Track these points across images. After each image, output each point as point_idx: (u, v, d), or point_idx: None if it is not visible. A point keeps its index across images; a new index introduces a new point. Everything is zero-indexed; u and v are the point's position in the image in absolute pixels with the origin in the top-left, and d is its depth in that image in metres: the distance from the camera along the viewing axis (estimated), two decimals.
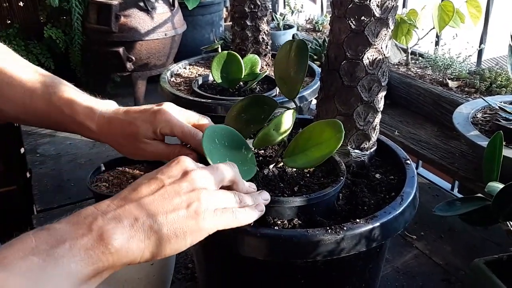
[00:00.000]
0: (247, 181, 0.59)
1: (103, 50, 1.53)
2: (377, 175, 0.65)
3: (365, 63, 0.63)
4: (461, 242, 0.98)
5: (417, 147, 1.13)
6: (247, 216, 0.50)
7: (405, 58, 1.46)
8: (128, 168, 1.09)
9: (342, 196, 0.61)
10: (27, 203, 1.18)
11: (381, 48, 0.64)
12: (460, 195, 1.14)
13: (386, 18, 0.62)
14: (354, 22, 0.62)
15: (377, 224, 0.52)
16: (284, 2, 2.19)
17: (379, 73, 0.65)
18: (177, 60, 1.54)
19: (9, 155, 1.57)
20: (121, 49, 1.48)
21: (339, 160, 0.62)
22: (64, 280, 0.38)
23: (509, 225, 0.70)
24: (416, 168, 1.40)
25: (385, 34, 0.63)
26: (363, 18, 0.62)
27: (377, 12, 0.62)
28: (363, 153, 0.67)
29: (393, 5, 0.63)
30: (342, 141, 0.54)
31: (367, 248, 0.52)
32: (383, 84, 0.66)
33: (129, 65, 1.53)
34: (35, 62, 1.60)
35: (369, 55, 0.63)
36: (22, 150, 1.46)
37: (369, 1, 0.61)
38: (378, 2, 0.61)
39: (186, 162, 0.50)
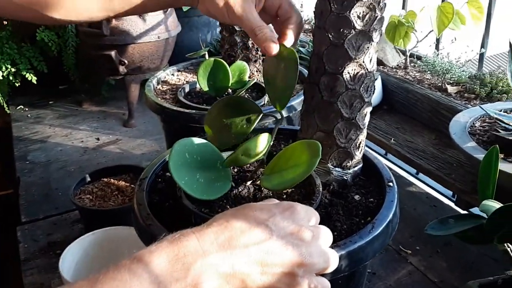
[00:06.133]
0: (218, 198, 0.56)
1: (95, 54, 1.50)
2: (356, 196, 0.60)
3: (345, 78, 0.59)
4: (457, 257, 0.94)
5: (414, 156, 1.09)
6: None
7: (404, 61, 1.41)
8: (114, 179, 1.07)
9: None
10: (13, 213, 1.16)
11: (363, 62, 0.59)
12: (457, 207, 1.09)
13: (368, 31, 0.58)
14: (333, 34, 0.58)
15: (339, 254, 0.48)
16: None
17: (361, 89, 0.60)
18: (172, 62, 1.51)
19: (10, 156, 1.54)
20: (113, 53, 1.45)
21: (318, 183, 0.58)
22: None
23: (505, 245, 0.66)
24: (417, 174, 1.35)
25: (368, 47, 0.59)
26: (342, 30, 0.57)
27: (358, 24, 0.57)
28: (344, 171, 0.63)
29: (377, 17, 0.58)
30: (315, 167, 0.50)
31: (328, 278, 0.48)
32: (366, 100, 0.61)
33: (121, 69, 1.49)
34: (28, 65, 1.57)
35: (350, 70, 0.59)
36: None
37: (349, 12, 0.57)
38: (360, 13, 0.57)
39: (301, 213, 0.47)
